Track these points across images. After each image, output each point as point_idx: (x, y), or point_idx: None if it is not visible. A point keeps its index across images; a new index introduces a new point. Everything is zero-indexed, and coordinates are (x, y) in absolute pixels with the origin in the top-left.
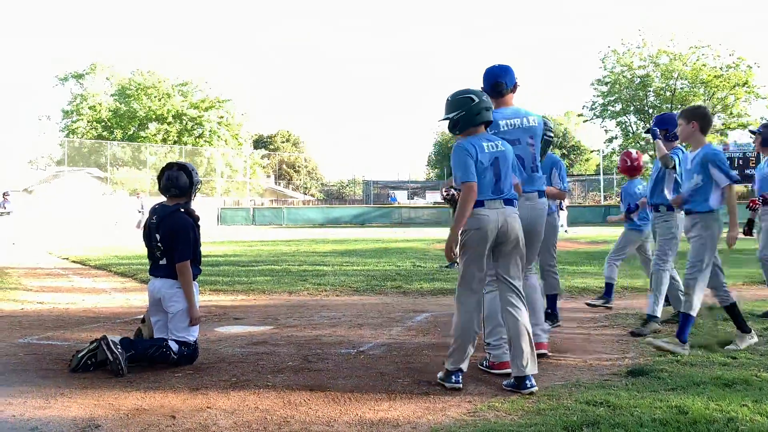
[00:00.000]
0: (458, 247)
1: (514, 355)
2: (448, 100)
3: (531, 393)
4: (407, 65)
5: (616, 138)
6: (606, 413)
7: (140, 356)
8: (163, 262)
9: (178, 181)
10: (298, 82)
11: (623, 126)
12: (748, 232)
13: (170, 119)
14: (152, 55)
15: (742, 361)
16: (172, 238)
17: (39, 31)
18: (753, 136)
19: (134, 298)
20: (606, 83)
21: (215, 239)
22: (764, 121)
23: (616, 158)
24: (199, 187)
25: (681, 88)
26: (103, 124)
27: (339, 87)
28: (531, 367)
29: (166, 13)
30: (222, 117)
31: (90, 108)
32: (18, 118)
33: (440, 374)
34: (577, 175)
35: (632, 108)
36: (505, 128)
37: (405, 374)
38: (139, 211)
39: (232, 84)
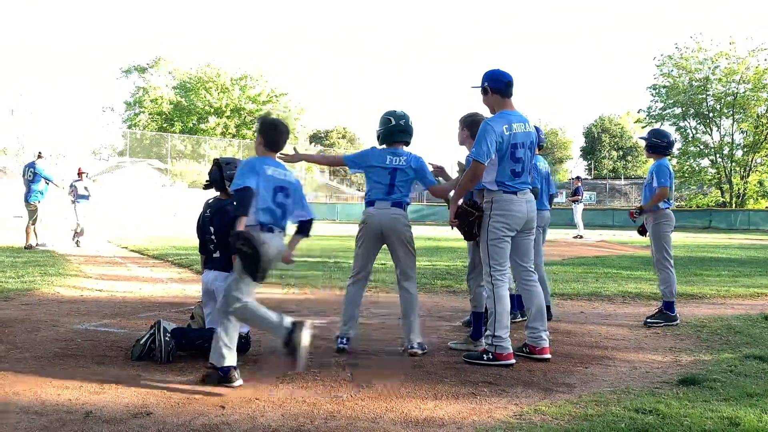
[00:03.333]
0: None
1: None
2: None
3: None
4: (465, 61)
5: (675, 141)
6: (655, 422)
7: (190, 346)
8: (216, 255)
9: (213, 176)
10: (353, 77)
11: (683, 130)
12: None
13: (228, 113)
14: (212, 48)
15: None
16: (225, 232)
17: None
18: (644, 141)
19: (190, 289)
20: (663, 87)
21: None
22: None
23: (674, 162)
24: None
25: (743, 92)
26: (164, 116)
27: (395, 83)
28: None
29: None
30: (280, 111)
31: (152, 101)
32: (83, 109)
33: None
34: (635, 178)
35: (692, 112)
36: (517, 130)
37: (452, 374)
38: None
39: (289, 79)
